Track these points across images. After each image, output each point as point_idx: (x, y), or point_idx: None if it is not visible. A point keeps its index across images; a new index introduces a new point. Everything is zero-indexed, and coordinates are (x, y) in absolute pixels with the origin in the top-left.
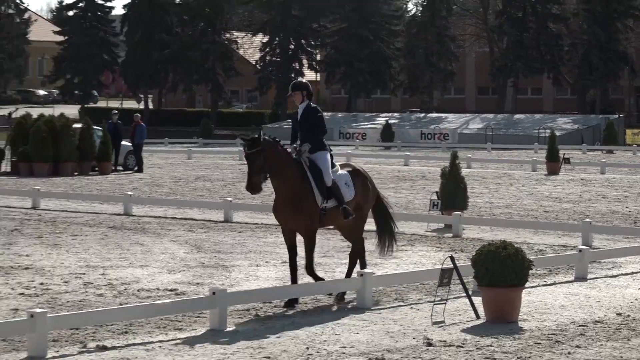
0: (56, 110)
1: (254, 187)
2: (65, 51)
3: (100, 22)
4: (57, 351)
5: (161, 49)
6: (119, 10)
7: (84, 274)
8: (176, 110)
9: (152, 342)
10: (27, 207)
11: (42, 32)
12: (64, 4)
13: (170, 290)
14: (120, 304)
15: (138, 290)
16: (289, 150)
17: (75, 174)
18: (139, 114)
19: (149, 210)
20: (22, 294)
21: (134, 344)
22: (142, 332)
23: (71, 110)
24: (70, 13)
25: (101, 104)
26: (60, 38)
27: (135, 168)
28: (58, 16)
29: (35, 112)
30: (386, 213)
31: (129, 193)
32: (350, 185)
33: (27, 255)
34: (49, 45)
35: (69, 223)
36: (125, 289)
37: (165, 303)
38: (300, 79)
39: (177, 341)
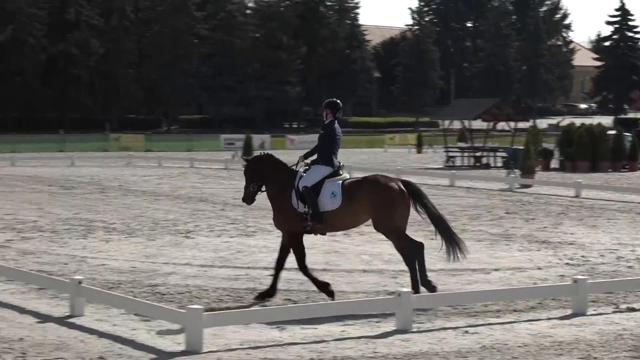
0: (594, 120)
1: (245, 198)
2: (601, 74)
3: (631, 50)
4: (595, 310)
5: None
6: None
7: (616, 249)
8: None
9: None
10: (570, 196)
11: (584, 59)
12: (601, 36)
13: None
14: None
15: None
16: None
17: (609, 170)
18: None
19: None
20: (567, 263)
21: None
22: None
23: (606, 120)
24: (606, 43)
25: (630, 115)
26: (598, 63)
27: None
28: (596, 46)
29: (578, 121)
30: (440, 222)
31: None
32: (337, 195)
33: (572, 234)
34: (588, 70)
35: (604, 209)
36: None
37: None
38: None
39: None
